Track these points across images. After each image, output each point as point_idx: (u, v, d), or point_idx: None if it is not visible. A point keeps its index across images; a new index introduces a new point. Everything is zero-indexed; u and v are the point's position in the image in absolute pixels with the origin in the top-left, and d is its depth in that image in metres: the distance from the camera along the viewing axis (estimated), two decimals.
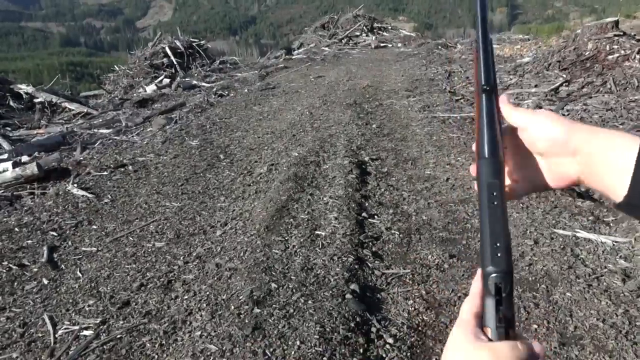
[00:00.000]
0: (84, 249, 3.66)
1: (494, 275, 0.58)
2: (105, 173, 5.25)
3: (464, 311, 0.62)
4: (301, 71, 11.76)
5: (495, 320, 0.58)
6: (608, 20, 7.63)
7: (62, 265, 3.45)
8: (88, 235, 3.86)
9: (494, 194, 0.62)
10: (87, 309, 2.92)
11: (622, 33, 7.46)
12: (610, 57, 7.08)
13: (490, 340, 0.57)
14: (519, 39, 14.45)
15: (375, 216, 3.94)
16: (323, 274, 3.05)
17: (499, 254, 0.58)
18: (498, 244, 0.59)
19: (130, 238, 3.80)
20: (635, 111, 5.61)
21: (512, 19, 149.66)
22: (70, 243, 3.76)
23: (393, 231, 3.69)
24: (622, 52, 7.06)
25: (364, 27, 18.43)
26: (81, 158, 5.83)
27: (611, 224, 3.64)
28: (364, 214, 3.93)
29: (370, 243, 3.51)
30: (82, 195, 4.64)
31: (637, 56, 6.88)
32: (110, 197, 4.63)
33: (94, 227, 4.02)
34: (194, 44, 14.45)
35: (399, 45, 16.51)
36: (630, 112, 5.62)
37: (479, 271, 0.61)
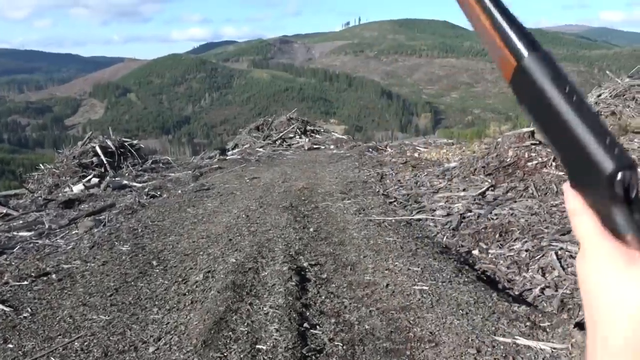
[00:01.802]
0: None
1: (620, 175, 0.45)
2: (25, 283, 4.87)
3: (586, 233, 0.48)
4: (236, 172, 11.79)
5: (636, 226, 0.45)
6: (525, 130, 8.28)
7: None
8: (3, 356, 3.49)
9: (566, 88, 0.48)
10: None
11: (538, 142, 8.08)
12: (529, 164, 7.61)
13: None
14: (444, 142, 15.32)
15: (317, 326, 3.82)
16: None
17: (615, 150, 0.45)
18: (608, 140, 0.46)
19: (52, 358, 3.47)
20: (557, 215, 5.96)
21: (435, 123, 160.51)
22: None
23: (336, 342, 3.58)
24: (540, 159, 7.61)
25: (298, 130, 19.00)
26: None
27: (547, 329, 3.71)
28: (305, 324, 3.81)
29: (313, 356, 3.38)
30: None
31: (554, 163, 7.43)
32: (30, 310, 4.26)
33: (10, 346, 3.65)
34: (125, 143, 14.28)
35: (332, 147, 17.04)
36: (552, 216, 5.95)
37: (569, 188, 0.50)
